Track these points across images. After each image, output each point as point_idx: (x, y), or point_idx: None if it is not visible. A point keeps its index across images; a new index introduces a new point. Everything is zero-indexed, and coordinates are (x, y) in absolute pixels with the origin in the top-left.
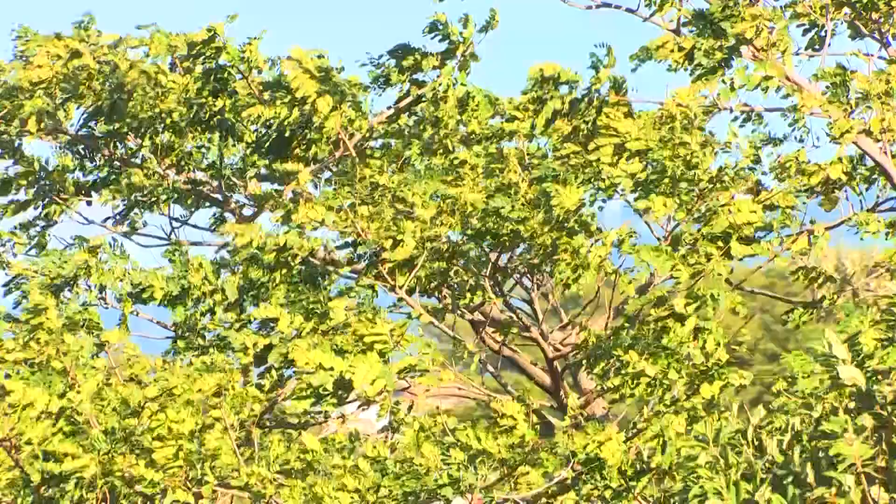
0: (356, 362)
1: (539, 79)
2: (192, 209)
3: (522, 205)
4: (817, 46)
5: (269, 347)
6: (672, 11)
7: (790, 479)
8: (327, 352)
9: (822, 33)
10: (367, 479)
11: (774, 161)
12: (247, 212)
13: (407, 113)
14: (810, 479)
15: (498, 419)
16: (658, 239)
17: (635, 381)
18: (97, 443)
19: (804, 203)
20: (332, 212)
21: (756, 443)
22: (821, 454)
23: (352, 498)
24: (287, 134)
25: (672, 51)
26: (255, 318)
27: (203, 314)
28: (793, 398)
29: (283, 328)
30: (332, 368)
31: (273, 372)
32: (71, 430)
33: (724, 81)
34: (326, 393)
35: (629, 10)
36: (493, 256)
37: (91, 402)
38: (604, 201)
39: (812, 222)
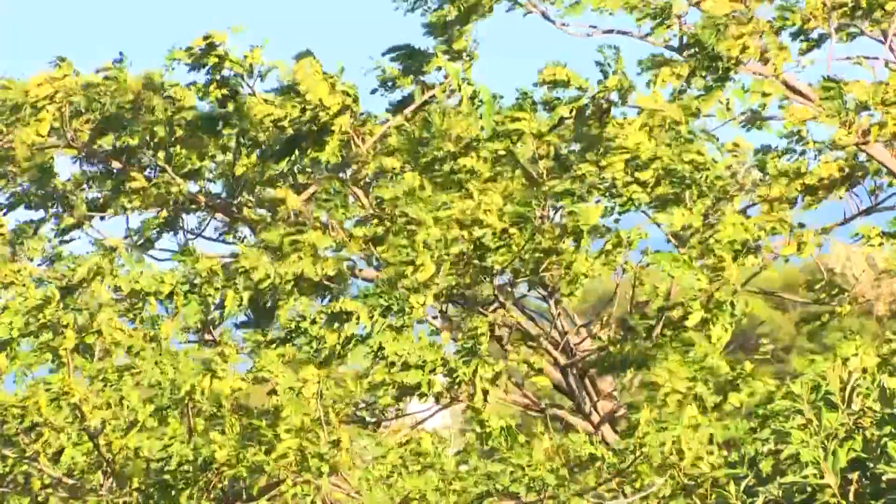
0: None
1: (548, 82)
2: (205, 221)
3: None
4: (812, 50)
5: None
6: (668, 32)
7: None
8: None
9: (813, 36)
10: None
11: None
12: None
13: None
14: None
15: None
16: (673, 244)
17: (664, 398)
18: (229, 430)
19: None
20: (328, 237)
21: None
22: None
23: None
24: (296, 135)
25: (667, 77)
26: (328, 312)
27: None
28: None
29: (365, 321)
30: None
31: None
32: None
33: (720, 102)
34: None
35: (623, 33)
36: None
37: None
38: (619, 215)
39: (801, 226)
